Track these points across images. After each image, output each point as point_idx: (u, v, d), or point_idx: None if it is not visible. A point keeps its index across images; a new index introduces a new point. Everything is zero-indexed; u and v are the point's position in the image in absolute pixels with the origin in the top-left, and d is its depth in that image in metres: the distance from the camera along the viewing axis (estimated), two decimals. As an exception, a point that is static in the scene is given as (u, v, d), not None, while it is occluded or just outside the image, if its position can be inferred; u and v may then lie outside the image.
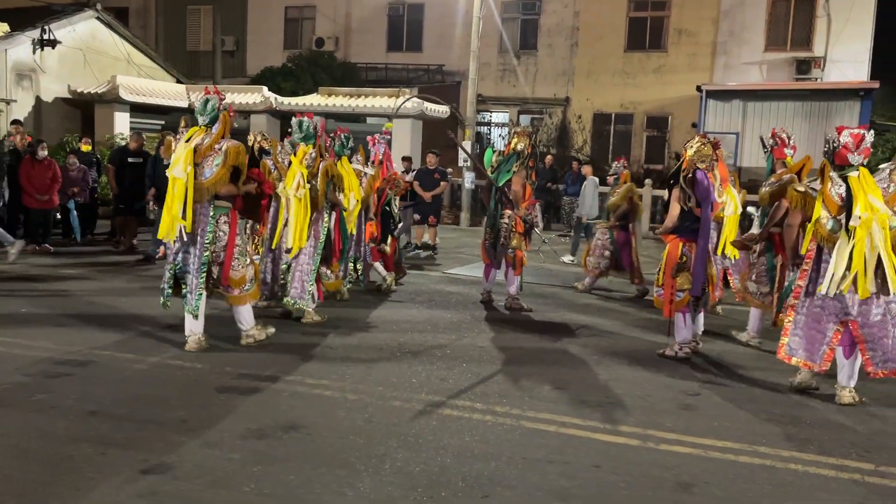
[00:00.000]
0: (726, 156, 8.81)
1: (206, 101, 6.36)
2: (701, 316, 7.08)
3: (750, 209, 9.61)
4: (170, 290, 6.38)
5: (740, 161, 18.36)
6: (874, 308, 5.43)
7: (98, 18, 18.81)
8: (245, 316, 6.55)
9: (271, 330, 6.74)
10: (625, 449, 4.57)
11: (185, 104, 19.14)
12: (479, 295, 9.06)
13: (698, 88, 19.57)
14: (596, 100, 23.22)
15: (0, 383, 5.28)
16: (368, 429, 4.70)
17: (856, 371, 5.61)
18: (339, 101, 18.89)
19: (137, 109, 17.98)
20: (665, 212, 6.88)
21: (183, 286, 6.33)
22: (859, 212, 5.30)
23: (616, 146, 23.10)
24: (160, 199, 10.37)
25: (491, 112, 24.62)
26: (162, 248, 11.32)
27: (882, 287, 5.37)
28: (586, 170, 13.43)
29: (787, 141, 7.15)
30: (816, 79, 20.54)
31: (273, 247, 7.48)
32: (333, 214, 7.70)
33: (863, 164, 5.54)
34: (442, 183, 13.16)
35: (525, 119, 24.21)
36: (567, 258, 12.57)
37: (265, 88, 19.48)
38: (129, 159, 11.84)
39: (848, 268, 5.35)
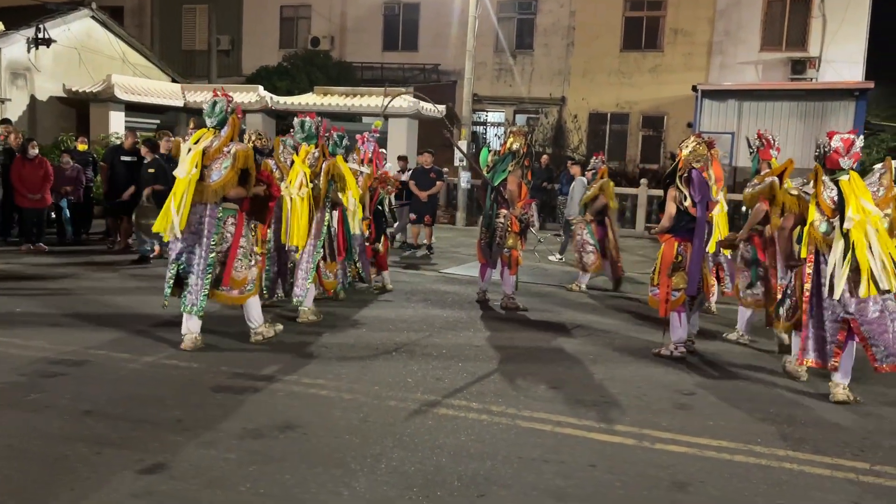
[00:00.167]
0: (722, 156, 8.85)
1: (215, 103, 6.40)
2: (696, 315, 7.10)
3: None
4: (168, 290, 6.38)
5: (736, 161, 18.40)
6: (871, 305, 5.49)
7: (93, 17, 18.75)
8: (254, 314, 6.58)
9: (279, 327, 6.75)
10: (620, 448, 4.57)
11: (180, 103, 19.12)
12: (475, 294, 9.07)
13: (694, 88, 19.61)
14: (592, 99, 23.25)
15: (-5, 383, 5.27)
16: (364, 428, 4.70)
17: (849, 369, 5.66)
18: (335, 100, 18.88)
19: (133, 108, 17.93)
20: (661, 211, 6.89)
21: (185, 286, 6.32)
22: (852, 214, 5.41)
23: (612, 146, 23.14)
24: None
25: (487, 111, 24.63)
26: (157, 247, 11.35)
27: (856, 287, 5.46)
28: (574, 170, 13.42)
29: (772, 142, 7.24)
30: (811, 79, 20.59)
31: (284, 244, 7.51)
32: (335, 213, 7.75)
33: (853, 168, 5.63)
34: (438, 182, 13.15)
35: (521, 118, 24.22)
36: (553, 257, 12.63)
37: (261, 88, 19.46)
38: (123, 158, 11.82)
39: (857, 269, 5.41)
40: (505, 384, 5.75)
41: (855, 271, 5.43)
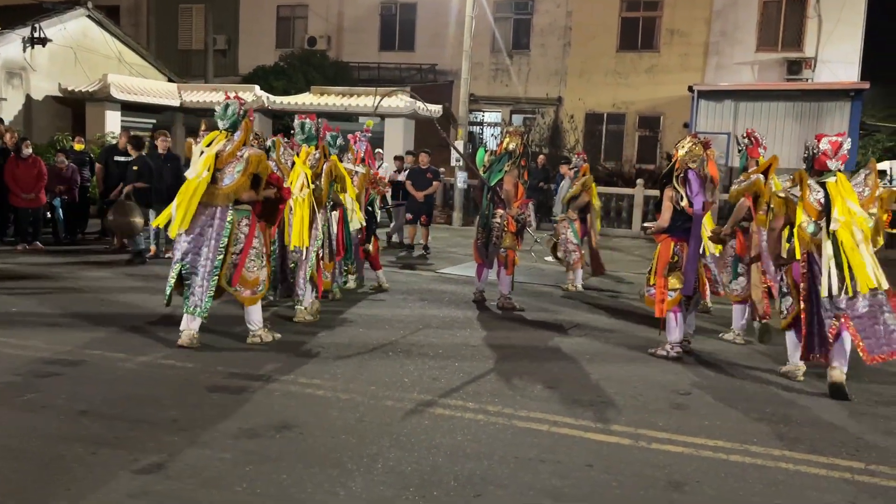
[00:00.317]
0: (718, 156, 8.89)
1: (227, 106, 6.43)
2: (692, 315, 7.11)
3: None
4: (170, 289, 6.40)
5: (732, 161, 18.40)
6: (860, 301, 5.67)
7: (89, 17, 18.73)
8: (255, 316, 6.59)
9: (278, 335, 6.73)
10: (617, 448, 4.58)
11: (176, 103, 19.11)
12: (472, 294, 9.07)
13: (690, 88, 19.64)
14: (588, 100, 23.27)
15: (-10, 383, 5.26)
16: (360, 428, 4.69)
17: (847, 352, 5.79)
18: (332, 100, 18.87)
19: (129, 108, 17.92)
20: (657, 211, 6.92)
21: (187, 287, 6.30)
22: (837, 215, 5.62)
23: (608, 146, 23.18)
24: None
25: (483, 112, 24.65)
26: (153, 246, 11.35)
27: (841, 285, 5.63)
28: (563, 169, 13.42)
29: (760, 141, 7.44)
30: (807, 79, 20.64)
31: (285, 245, 7.54)
32: (336, 213, 7.79)
33: (840, 170, 5.83)
34: (434, 182, 13.15)
35: (517, 119, 24.23)
36: (550, 257, 12.64)
37: (257, 87, 19.45)
38: (117, 158, 11.80)
39: (845, 267, 5.59)
40: (501, 384, 5.75)
41: (843, 269, 5.60)
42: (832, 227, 5.62)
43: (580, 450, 4.51)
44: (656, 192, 9.44)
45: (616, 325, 8.13)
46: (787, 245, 6.08)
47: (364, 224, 8.84)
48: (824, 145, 5.84)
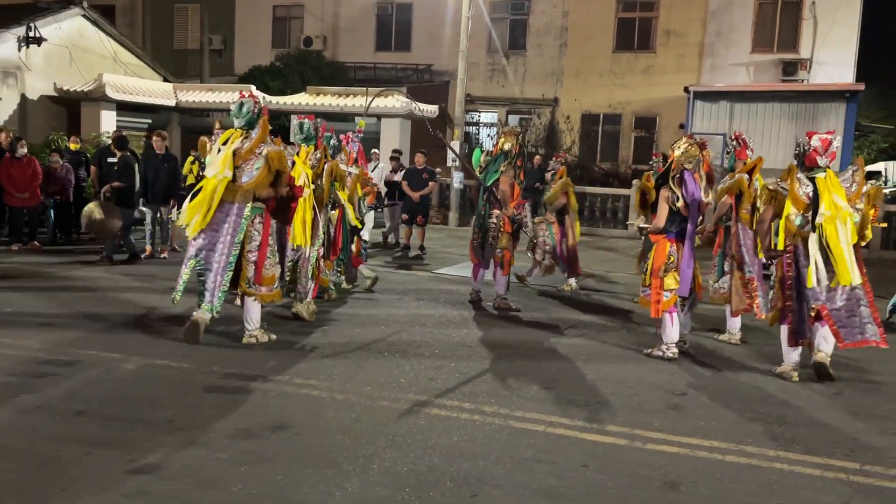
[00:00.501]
0: (713, 157, 8.93)
1: (241, 104, 6.50)
2: (688, 316, 7.13)
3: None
4: (182, 286, 6.46)
5: (727, 162, 18.43)
6: (840, 293, 6.05)
7: (84, 16, 18.67)
8: (254, 315, 6.61)
9: (273, 336, 6.73)
10: (612, 448, 4.59)
11: (172, 103, 19.06)
12: (468, 295, 9.07)
13: (686, 89, 19.64)
14: (584, 100, 23.28)
15: (-15, 383, 5.24)
16: (356, 428, 4.69)
17: (829, 336, 6.16)
18: (328, 100, 18.84)
19: (124, 108, 17.86)
20: (653, 212, 6.94)
21: (200, 283, 6.39)
22: (823, 209, 5.91)
23: (604, 147, 23.19)
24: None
25: (480, 112, 24.63)
26: (148, 246, 11.33)
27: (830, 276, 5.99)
28: (562, 169, 13.41)
29: (748, 143, 7.69)
30: (803, 80, 20.66)
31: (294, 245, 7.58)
32: (336, 212, 7.83)
33: (828, 166, 6.14)
34: (430, 183, 13.14)
35: (514, 119, 24.23)
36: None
37: (253, 87, 19.36)
38: (110, 159, 11.75)
39: (830, 260, 5.92)
40: (497, 384, 5.76)
41: (827, 262, 5.92)
42: (818, 220, 5.92)
43: (576, 450, 4.51)
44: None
45: (612, 325, 8.14)
46: (776, 238, 6.31)
47: (359, 224, 8.87)
48: (815, 142, 6.14)
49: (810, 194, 6.01)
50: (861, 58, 20.83)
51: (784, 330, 6.27)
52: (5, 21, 16.83)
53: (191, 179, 10.63)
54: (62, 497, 3.64)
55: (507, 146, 8.55)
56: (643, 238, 7.76)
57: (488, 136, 24.05)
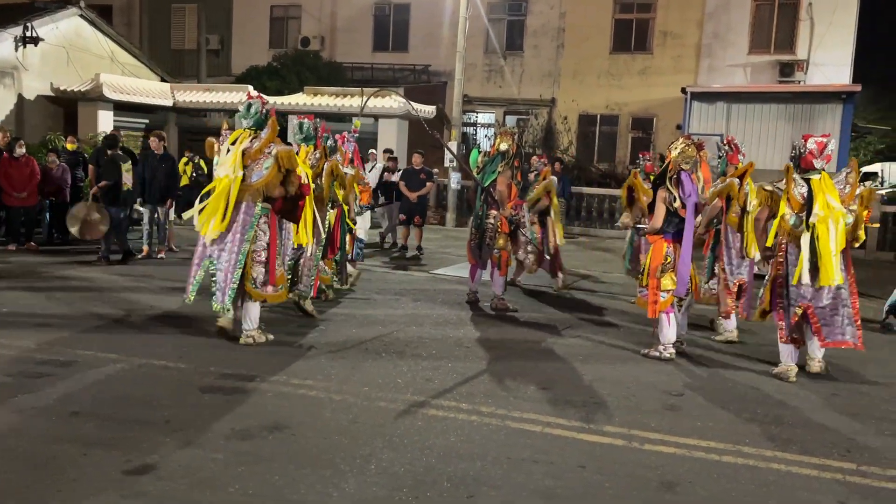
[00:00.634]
0: (710, 157, 8.93)
1: (249, 105, 6.58)
2: (685, 317, 7.14)
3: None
4: (196, 286, 6.51)
5: (720, 166, 18.45)
6: (825, 292, 6.16)
7: (81, 16, 18.65)
8: (254, 314, 6.61)
9: (271, 336, 6.73)
10: (609, 449, 4.59)
11: (169, 103, 19.06)
12: (465, 295, 9.07)
13: (683, 90, 19.68)
14: (581, 101, 23.30)
15: (-19, 383, 5.23)
16: (353, 429, 4.69)
17: (817, 344, 6.30)
18: (325, 100, 18.84)
19: (121, 108, 17.85)
20: (650, 212, 6.95)
21: (212, 283, 6.44)
22: (817, 210, 6.05)
23: (601, 147, 23.21)
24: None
25: (477, 112, 24.65)
26: (145, 246, 11.31)
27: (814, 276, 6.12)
28: (545, 171, 13.38)
29: (739, 148, 7.80)
30: (799, 82, 20.70)
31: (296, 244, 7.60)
32: (335, 211, 7.93)
33: (824, 169, 6.28)
34: (428, 183, 13.14)
35: (511, 120, 24.25)
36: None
37: (251, 88, 19.34)
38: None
39: (817, 259, 6.06)
40: (494, 385, 5.76)
41: (815, 262, 6.05)
42: (812, 219, 6.06)
43: (573, 451, 4.52)
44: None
45: (609, 326, 8.15)
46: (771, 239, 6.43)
47: (351, 224, 8.88)
48: (811, 145, 6.25)
49: (805, 195, 6.15)
50: (858, 59, 20.89)
51: (780, 330, 6.32)
52: (2, 21, 16.80)
53: (184, 180, 10.65)
54: (58, 498, 3.63)
55: (504, 147, 8.55)
56: (628, 235, 7.81)
57: (485, 136, 24.06)
